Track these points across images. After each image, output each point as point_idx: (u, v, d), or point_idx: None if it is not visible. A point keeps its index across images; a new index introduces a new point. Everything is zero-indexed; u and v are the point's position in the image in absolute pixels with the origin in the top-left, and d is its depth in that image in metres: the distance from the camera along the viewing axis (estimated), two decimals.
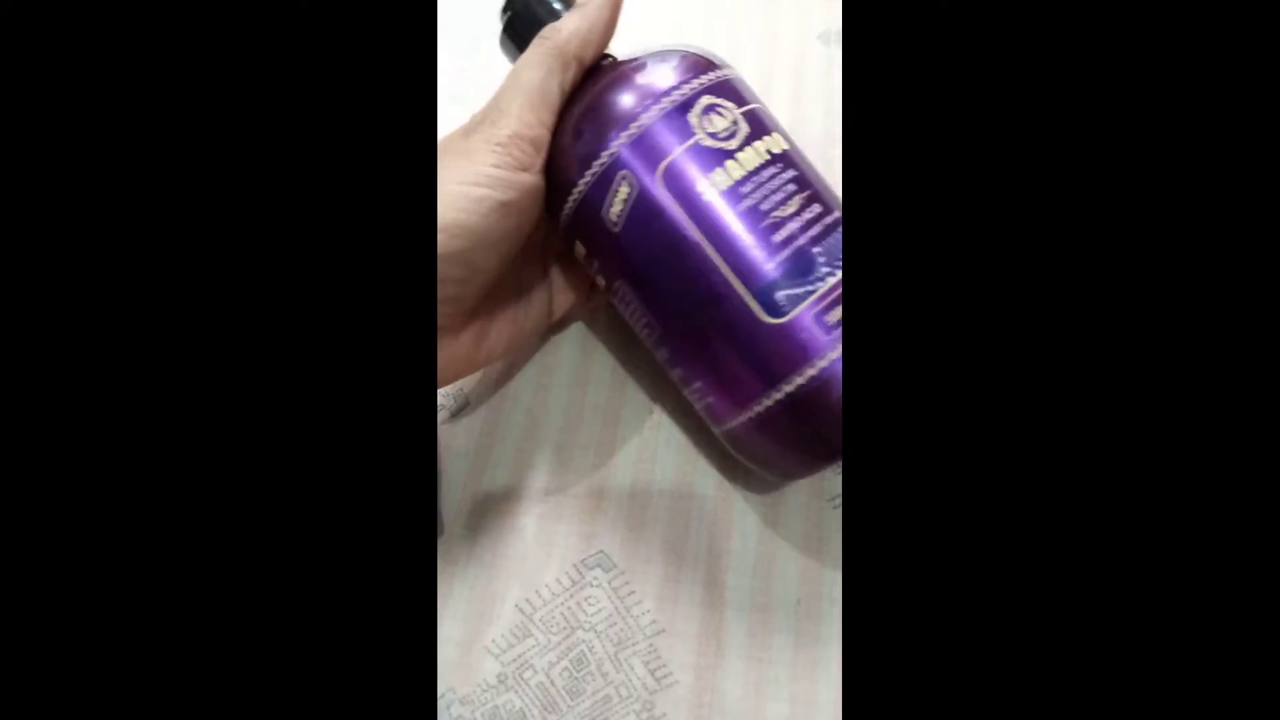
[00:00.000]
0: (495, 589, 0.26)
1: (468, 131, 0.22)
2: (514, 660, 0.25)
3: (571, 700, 0.25)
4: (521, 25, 0.24)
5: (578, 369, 0.29)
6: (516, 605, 0.26)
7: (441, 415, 0.30)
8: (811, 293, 0.20)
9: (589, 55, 0.22)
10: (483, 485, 0.28)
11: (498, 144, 0.21)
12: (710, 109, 0.21)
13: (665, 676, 0.25)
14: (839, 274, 0.20)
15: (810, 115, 0.32)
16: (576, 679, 0.25)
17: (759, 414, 0.21)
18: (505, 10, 0.25)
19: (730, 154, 0.21)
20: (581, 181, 0.22)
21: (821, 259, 0.20)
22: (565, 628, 0.26)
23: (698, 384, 0.22)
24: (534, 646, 0.26)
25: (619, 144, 0.21)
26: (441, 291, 0.21)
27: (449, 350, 0.24)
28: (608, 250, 0.22)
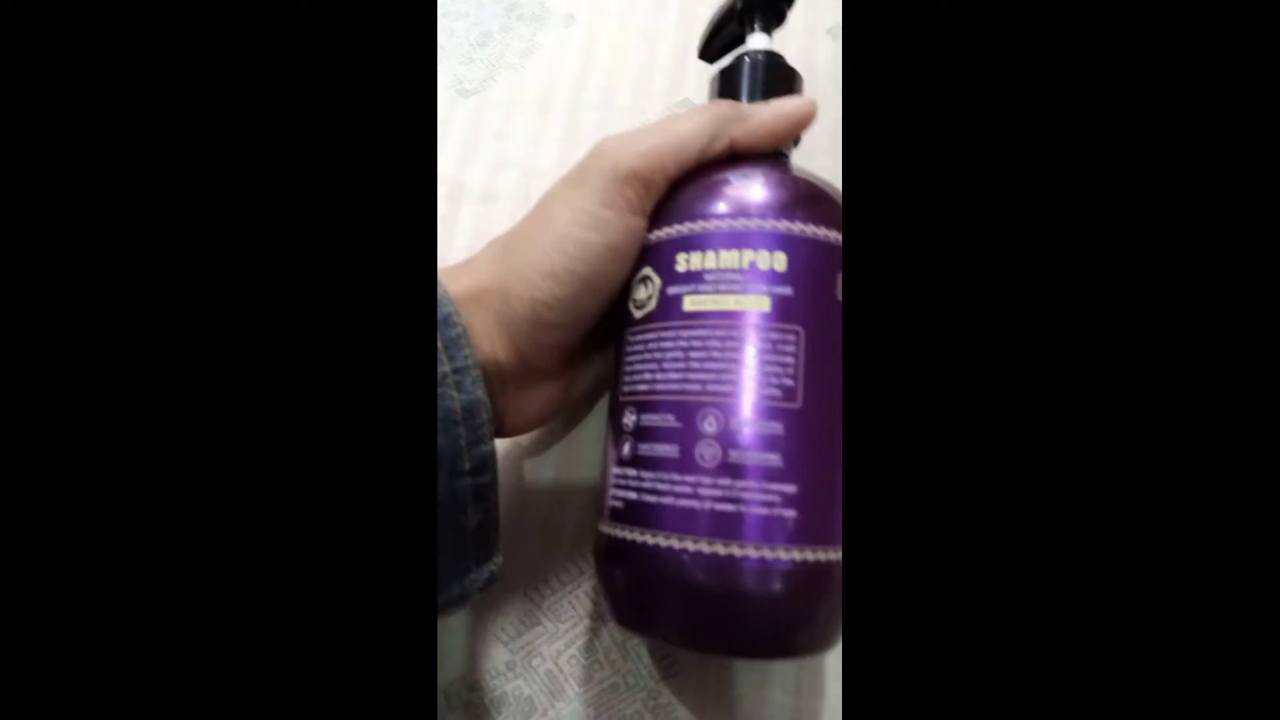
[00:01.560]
0: (507, 581, 0.27)
1: (593, 155, 0.21)
2: (522, 648, 0.26)
3: (579, 687, 0.25)
4: (736, 78, 0.24)
5: None
6: (525, 594, 0.27)
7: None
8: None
9: (744, 147, 0.22)
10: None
11: (612, 180, 0.21)
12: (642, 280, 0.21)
13: (671, 666, 0.25)
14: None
15: (821, 109, 0.32)
16: (584, 667, 0.25)
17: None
18: (734, 59, 0.24)
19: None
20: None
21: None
22: (573, 616, 0.26)
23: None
24: (542, 635, 0.26)
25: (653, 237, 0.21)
26: (547, 337, 0.21)
27: (545, 393, 0.23)
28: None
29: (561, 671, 0.25)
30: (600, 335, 0.24)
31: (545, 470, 0.28)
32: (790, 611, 0.19)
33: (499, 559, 0.22)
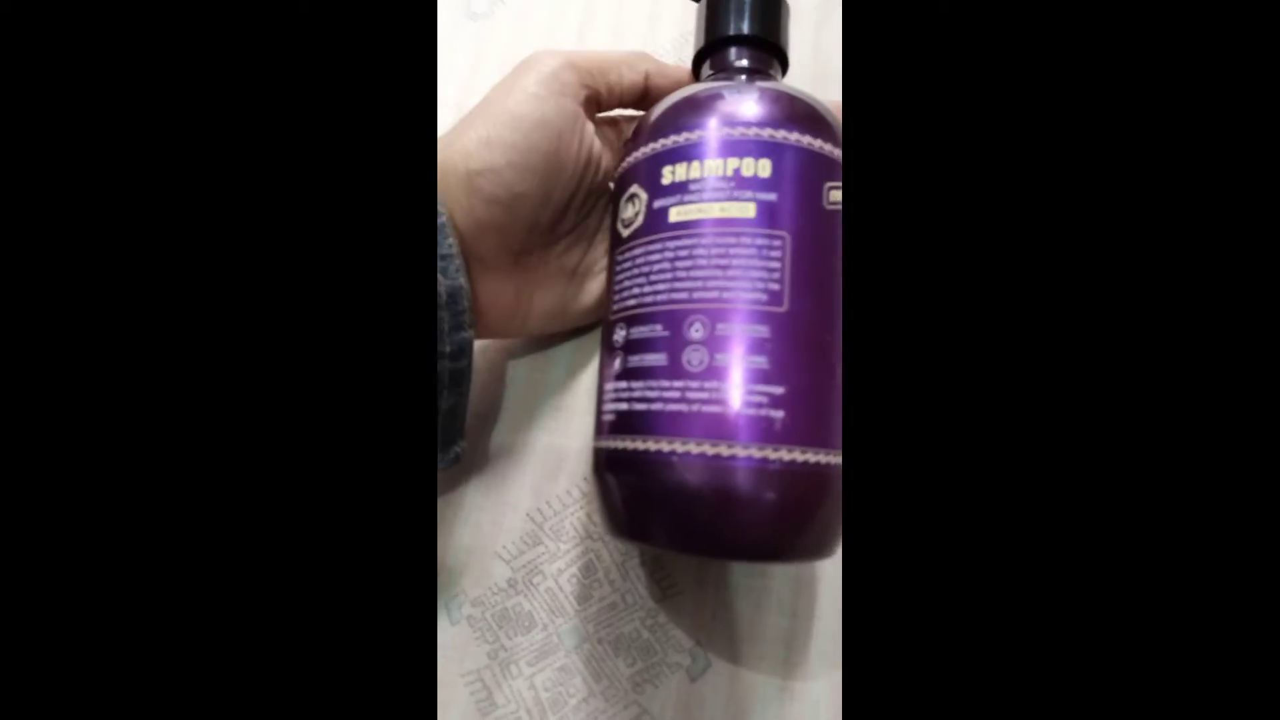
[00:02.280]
0: (508, 498, 0.27)
1: (530, 55, 0.24)
2: (524, 566, 0.26)
3: (579, 605, 0.26)
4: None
5: None
6: (528, 514, 0.27)
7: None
8: None
9: (655, 84, 0.25)
10: (498, 401, 0.29)
11: (549, 68, 0.23)
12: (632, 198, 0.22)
13: (670, 587, 0.25)
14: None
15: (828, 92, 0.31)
16: (584, 585, 0.26)
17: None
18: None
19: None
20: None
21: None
22: (575, 537, 0.26)
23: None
24: (544, 554, 0.26)
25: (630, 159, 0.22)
26: (486, 214, 0.22)
27: (491, 287, 0.24)
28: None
29: (562, 589, 0.26)
30: (553, 270, 0.26)
31: (549, 394, 0.28)
32: (782, 512, 0.19)
33: (463, 443, 0.23)
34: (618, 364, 0.21)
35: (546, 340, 0.29)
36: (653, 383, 0.19)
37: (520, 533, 0.27)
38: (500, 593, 0.26)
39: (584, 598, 0.26)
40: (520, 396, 0.29)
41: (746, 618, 0.25)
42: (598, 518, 0.22)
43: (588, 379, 0.28)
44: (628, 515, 0.20)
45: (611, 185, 0.28)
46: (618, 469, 0.20)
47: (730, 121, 0.20)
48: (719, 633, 0.24)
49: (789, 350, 0.19)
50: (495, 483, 0.27)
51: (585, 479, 0.27)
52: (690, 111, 0.21)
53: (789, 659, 0.24)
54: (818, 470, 0.19)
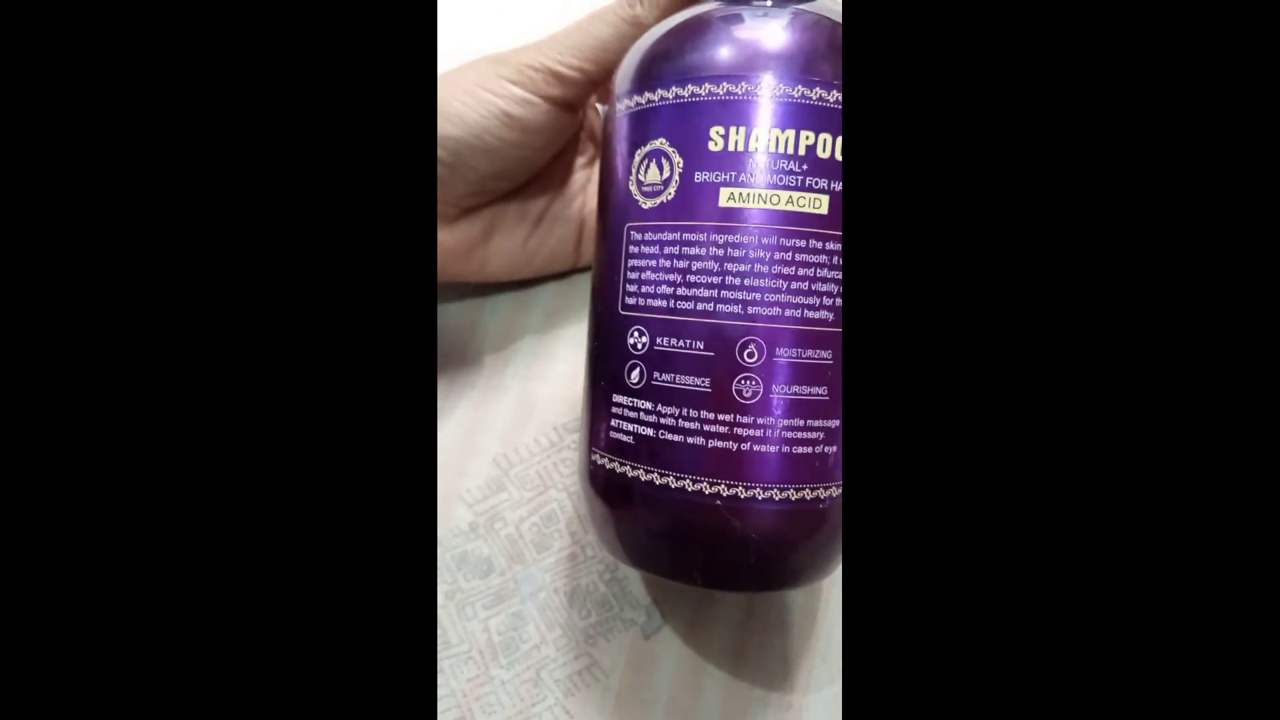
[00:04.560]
0: (475, 442, 0.27)
1: (525, 49, 0.22)
2: (486, 511, 0.26)
3: (538, 554, 0.25)
4: None
5: None
6: (494, 460, 0.26)
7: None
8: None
9: (662, 16, 0.21)
10: (471, 347, 0.28)
11: (529, 66, 0.22)
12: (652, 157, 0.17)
13: None
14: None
15: None
16: (545, 534, 0.25)
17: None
18: None
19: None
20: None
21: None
22: (539, 485, 0.26)
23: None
24: (507, 500, 0.26)
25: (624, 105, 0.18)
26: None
27: (440, 236, 0.24)
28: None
29: (523, 537, 0.26)
30: (517, 217, 0.25)
31: (525, 338, 0.28)
32: (825, 545, 0.18)
33: None
34: (635, 375, 0.17)
35: (525, 282, 0.28)
36: (690, 411, 0.17)
37: (485, 477, 0.26)
38: (460, 535, 0.26)
39: (543, 547, 0.25)
40: (496, 338, 0.28)
41: None
42: (595, 535, 0.21)
43: (568, 326, 0.28)
44: (648, 550, 0.19)
45: (600, 109, 0.26)
46: (636, 500, 0.18)
47: (796, 73, 0.16)
48: (676, 594, 0.24)
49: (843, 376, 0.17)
50: (464, 425, 0.27)
51: (555, 428, 0.26)
52: (735, 46, 0.17)
53: (746, 623, 0.24)
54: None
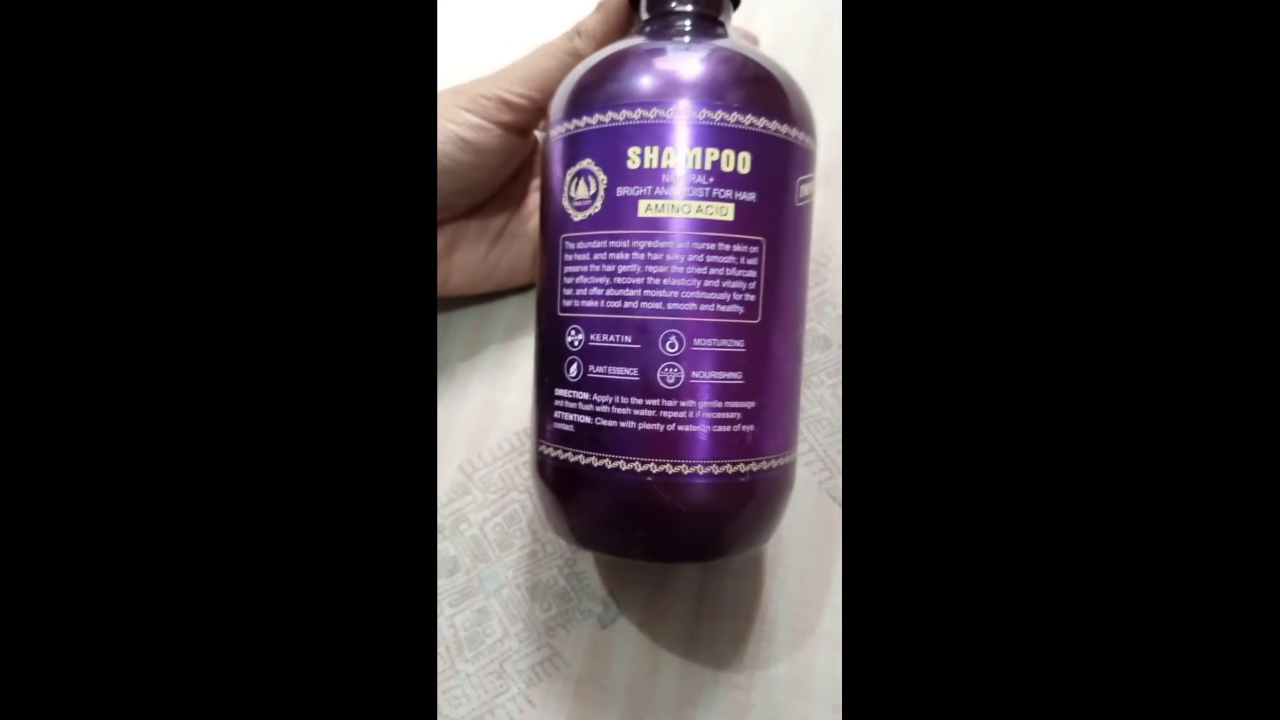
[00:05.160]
0: (444, 450, 0.28)
1: (478, 80, 0.25)
2: (452, 514, 0.27)
3: (500, 552, 0.27)
4: None
5: None
6: (459, 465, 0.28)
7: None
8: None
9: (597, 48, 0.24)
10: (438, 357, 0.30)
11: (482, 96, 0.24)
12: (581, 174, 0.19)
13: None
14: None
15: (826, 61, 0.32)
16: (507, 534, 0.27)
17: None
18: None
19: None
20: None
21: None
22: (502, 488, 0.27)
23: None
24: (471, 503, 0.27)
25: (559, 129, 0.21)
26: None
27: None
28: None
29: (486, 537, 0.27)
30: (477, 235, 0.27)
31: (488, 350, 0.29)
32: (755, 516, 0.20)
33: None
34: (574, 370, 0.19)
35: (487, 297, 0.30)
36: (621, 398, 0.18)
37: (451, 482, 0.28)
38: None
39: (506, 545, 0.27)
40: (461, 351, 0.30)
41: (659, 570, 0.26)
42: (547, 521, 0.22)
43: (529, 338, 0.29)
44: (594, 529, 0.21)
45: (539, 135, 0.28)
46: (580, 484, 0.20)
47: (705, 99, 0.18)
48: (632, 582, 0.26)
49: (761, 363, 0.19)
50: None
51: (516, 434, 0.28)
52: (652, 77, 0.19)
53: (697, 610, 0.25)
54: (782, 472, 0.20)
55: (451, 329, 0.30)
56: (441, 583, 0.27)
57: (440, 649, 0.26)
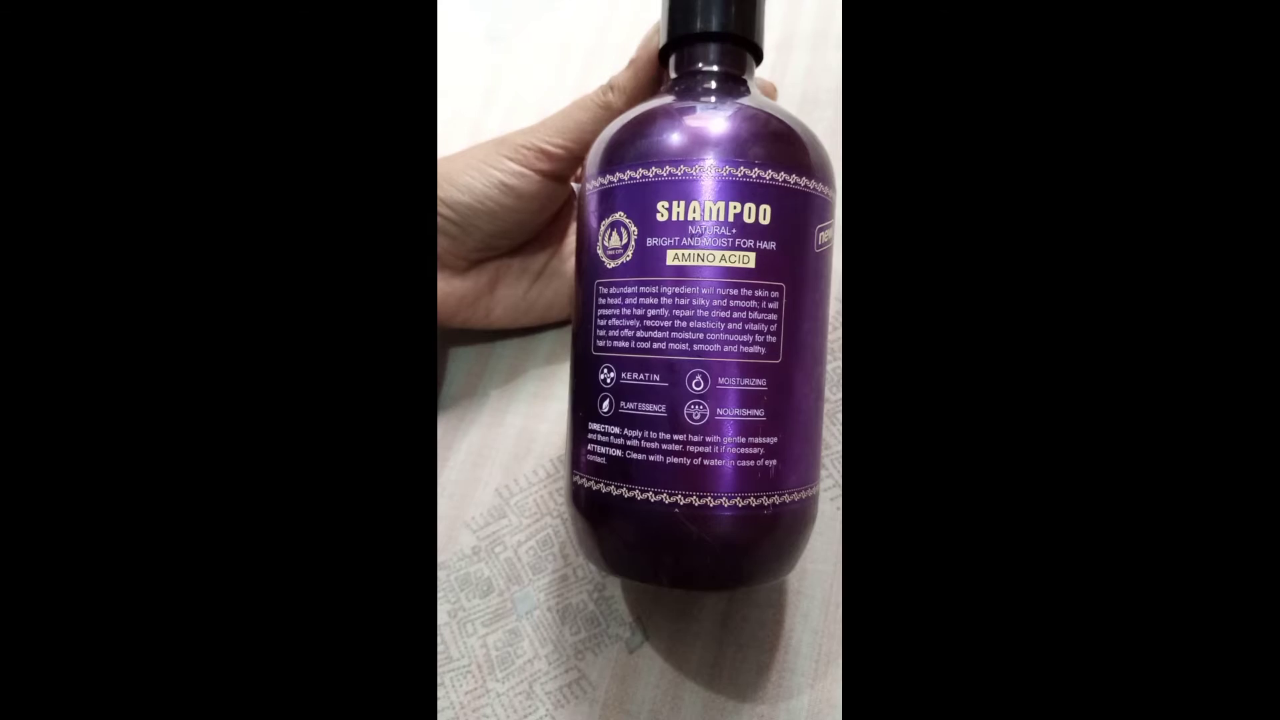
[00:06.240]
0: (480, 475, 0.30)
1: (521, 131, 0.27)
2: (488, 536, 0.29)
3: (533, 575, 0.28)
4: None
5: None
6: (497, 490, 0.29)
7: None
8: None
9: (629, 101, 0.26)
10: (479, 388, 0.31)
11: (523, 146, 0.26)
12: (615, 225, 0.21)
13: None
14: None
15: (829, 62, 0.33)
16: (540, 557, 0.28)
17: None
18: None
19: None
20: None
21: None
22: (536, 513, 0.29)
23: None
24: (507, 526, 0.29)
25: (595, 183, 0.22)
26: (441, 229, 0.27)
27: (449, 284, 0.28)
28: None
29: (520, 560, 0.28)
30: (519, 273, 0.29)
31: (528, 381, 0.31)
32: (775, 547, 0.21)
33: None
34: (606, 405, 0.21)
35: (527, 331, 0.32)
36: (650, 433, 0.20)
37: (488, 506, 0.29)
38: (464, 559, 0.28)
39: (539, 569, 0.28)
40: (502, 381, 0.31)
41: (686, 598, 0.27)
42: (579, 547, 0.24)
43: (565, 370, 0.31)
44: (625, 557, 0.22)
45: (575, 186, 0.30)
46: (612, 514, 0.21)
47: (727, 157, 0.20)
48: (660, 608, 0.27)
49: (782, 401, 0.20)
50: (472, 459, 0.30)
51: (551, 460, 0.29)
52: (679, 135, 0.21)
53: (721, 638, 0.26)
54: (804, 505, 0.21)
55: (492, 360, 0.31)
56: (476, 603, 0.28)
57: (473, 668, 0.27)
